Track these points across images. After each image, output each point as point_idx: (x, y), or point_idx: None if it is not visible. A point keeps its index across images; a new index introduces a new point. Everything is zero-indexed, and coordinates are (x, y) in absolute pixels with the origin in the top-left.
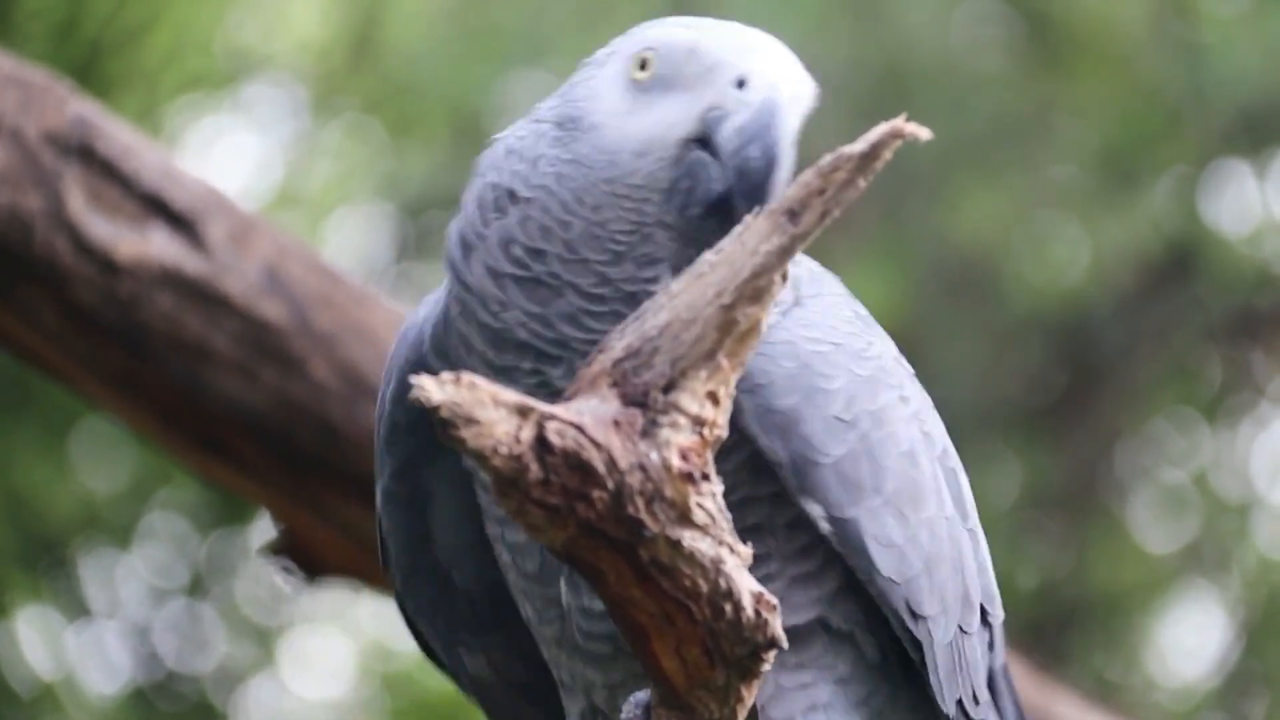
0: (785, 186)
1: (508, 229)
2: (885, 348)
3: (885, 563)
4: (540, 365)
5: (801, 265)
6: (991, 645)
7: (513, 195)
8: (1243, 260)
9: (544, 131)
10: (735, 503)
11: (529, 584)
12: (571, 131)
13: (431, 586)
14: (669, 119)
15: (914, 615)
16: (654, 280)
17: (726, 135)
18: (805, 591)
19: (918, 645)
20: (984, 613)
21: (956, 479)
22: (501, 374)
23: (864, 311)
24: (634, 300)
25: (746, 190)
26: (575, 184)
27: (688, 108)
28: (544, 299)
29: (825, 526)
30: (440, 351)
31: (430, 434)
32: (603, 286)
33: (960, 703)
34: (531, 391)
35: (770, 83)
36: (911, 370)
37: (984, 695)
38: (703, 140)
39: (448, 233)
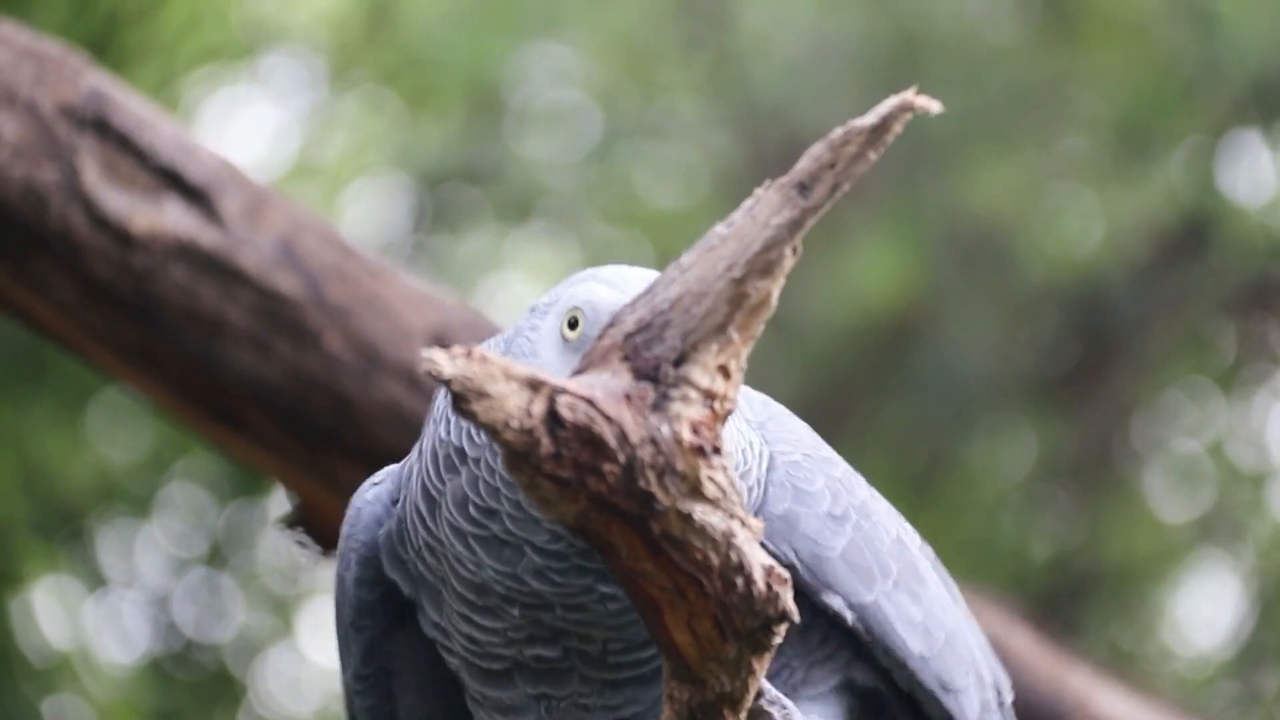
0: None
1: (461, 489)
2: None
3: (914, 640)
4: (526, 613)
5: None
6: None
7: (461, 454)
8: (1258, 231)
9: None
10: None
11: None
12: None
13: None
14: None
15: (946, 690)
16: None
17: None
18: (824, 666)
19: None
20: (998, 693)
21: (942, 569)
22: (485, 612)
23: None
24: (589, 553)
25: None
26: None
27: None
28: (510, 559)
29: (850, 616)
30: (395, 560)
31: (391, 611)
32: (556, 543)
33: None
34: (516, 628)
35: None
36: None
37: None
38: None
39: (410, 473)
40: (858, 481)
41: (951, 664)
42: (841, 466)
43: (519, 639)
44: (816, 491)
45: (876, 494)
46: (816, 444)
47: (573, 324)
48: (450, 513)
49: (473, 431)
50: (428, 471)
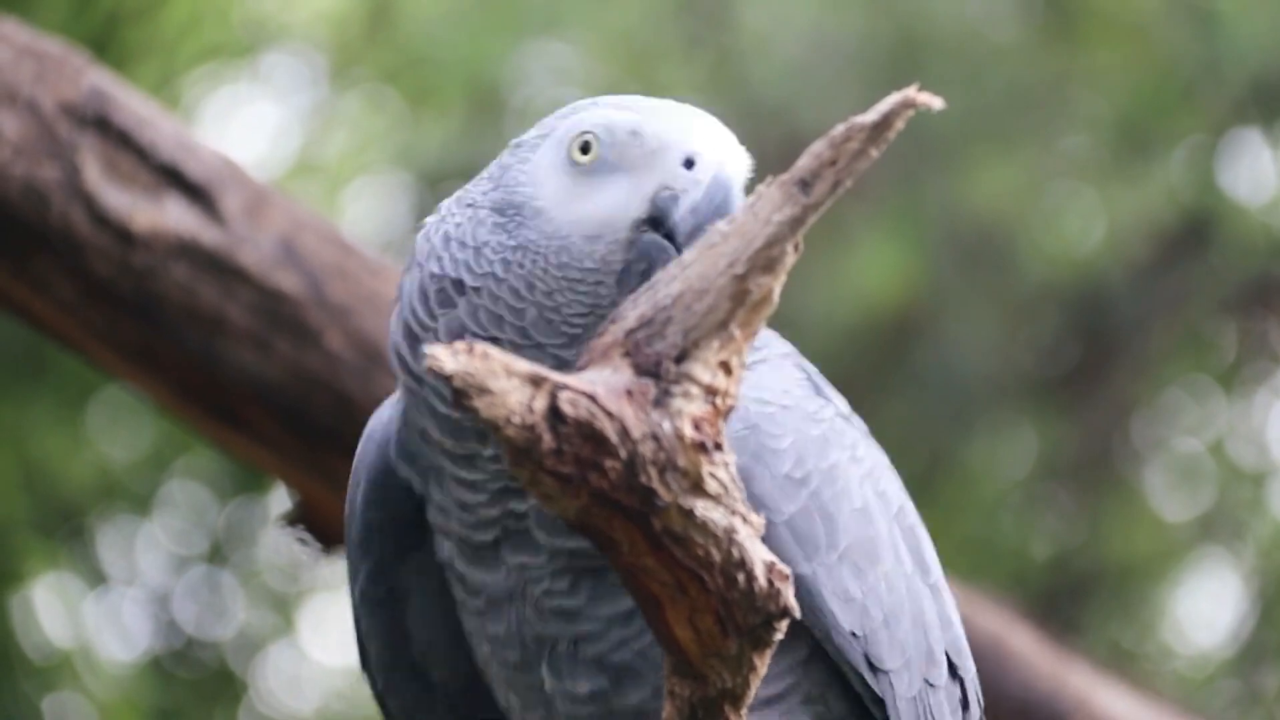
0: None
1: (458, 320)
2: (837, 407)
3: (845, 617)
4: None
5: None
6: (965, 702)
7: (459, 285)
8: (1258, 230)
9: (482, 218)
10: None
11: (512, 674)
12: (514, 218)
13: (413, 684)
14: (618, 202)
15: (874, 669)
16: None
17: (682, 215)
18: (779, 661)
19: (879, 702)
20: (953, 667)
21: (915, 536)
22: (463, 461)
23: (812, 369)
24: None
25: None
26: (525, 270)
27: (636, 190)
28: None
29: None
30: (405, 454)
31: (402, 533)
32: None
33: None
34: (492, 477)
35: (718, 160)
36: (865, 428)
37: None
38: (654, 221)
39: (390, 325)
40: (839, 441)
41: (885, 644)
42: (823, 425)
43: (495, 489)
44: (781, 450)
45: (861, 455)
46: (807, 394)
47: (585, 148)
48: None
49: (471, 262)
50: (413, 310)
